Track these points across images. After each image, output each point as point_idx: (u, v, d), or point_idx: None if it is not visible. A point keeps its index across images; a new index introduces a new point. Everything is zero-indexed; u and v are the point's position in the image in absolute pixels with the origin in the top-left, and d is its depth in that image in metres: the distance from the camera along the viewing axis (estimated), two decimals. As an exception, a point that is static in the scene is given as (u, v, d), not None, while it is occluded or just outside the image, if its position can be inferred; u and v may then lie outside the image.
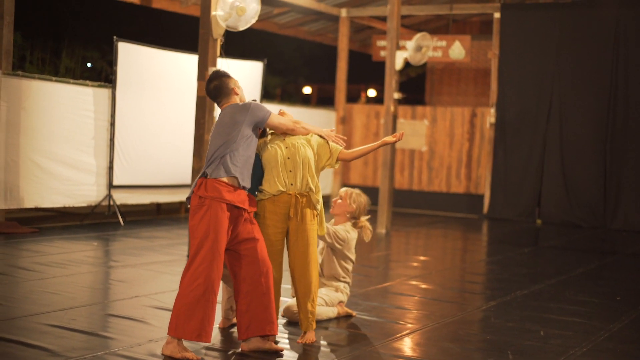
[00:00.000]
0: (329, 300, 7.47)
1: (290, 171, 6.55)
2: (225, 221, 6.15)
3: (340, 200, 7.67)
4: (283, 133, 6.69)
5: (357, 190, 7.80)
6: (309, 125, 6.81)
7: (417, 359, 6.33)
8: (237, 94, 6.61)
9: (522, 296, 9.03)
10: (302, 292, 6.59)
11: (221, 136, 6.31)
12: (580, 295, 9.27)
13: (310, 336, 6.63)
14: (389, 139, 6.97)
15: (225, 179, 6.21)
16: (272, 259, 6.51)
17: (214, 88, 6.57)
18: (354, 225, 7.72)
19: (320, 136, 6.83)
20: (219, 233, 6.10)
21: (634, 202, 16.55)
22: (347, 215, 7.70)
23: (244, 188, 6.33)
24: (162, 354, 6.00)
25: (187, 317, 5.98)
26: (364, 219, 7.79)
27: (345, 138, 6.98)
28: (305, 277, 6.57)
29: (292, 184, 6.53)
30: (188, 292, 6.01)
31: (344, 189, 7.80)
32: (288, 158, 6.56)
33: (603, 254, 13.39)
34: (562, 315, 8.10)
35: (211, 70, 10.65)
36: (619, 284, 10.30)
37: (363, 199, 7.79)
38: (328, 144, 6.78)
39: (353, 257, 7.69)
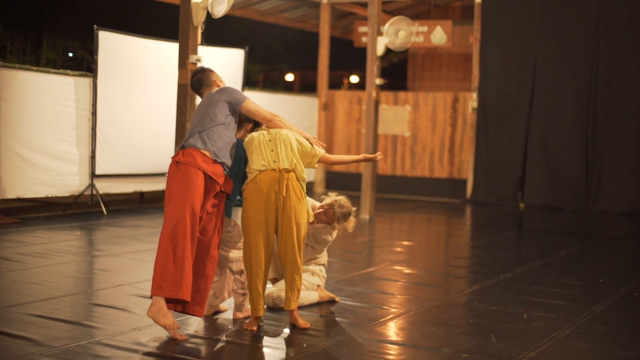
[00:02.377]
0: (307, 284, 7.48)
1: (272, 150, 6.60)
2: (200, 184, 6.33)
3: (324, 217, 7.51)
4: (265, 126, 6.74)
5: (344, 210, 7.52)
6: (288, 122, 6.81)
7: (401, 343, 6.35)
8: (218, 86, 6.82)
9: (505, 280, 9.06)
10: (289, 267, 6.58)
11: (199, 115, 6.58)
12: (563, 278, 9.31)
13: (301, 320, 6.67)
14: (371, 156, 7.16)
15: (202, 150, 6.43)
16: (255, 241, 6.50)
17: (197, 80, 6.85)
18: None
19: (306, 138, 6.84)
20: (195, 193, 6.27)
21: (616, 185, 16.63)
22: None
23: (221, 164, 6.50)
24: (148, 316, 6.14)
25: (166, 276, 6.10)
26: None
27: (325, 145, 6.99)
28: (292, 253, 6.55)
29: (274, 161, 6.55)
30: (166, 252, 6.15)
31: (328, 200, 7.55)
32: (270, 140, 6.63)
33: (586, 236, 13.45)
34: (545, 298, 8.14)
35: (192, 57, 10.64)
36: (602, 266, 10.34)
37: (351, 223, 7.64)
38: (311, 145, 6.76)
39: (328, 238, 7.66)
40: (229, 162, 6.59)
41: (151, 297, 6.18)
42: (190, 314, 6.50)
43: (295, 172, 6.59)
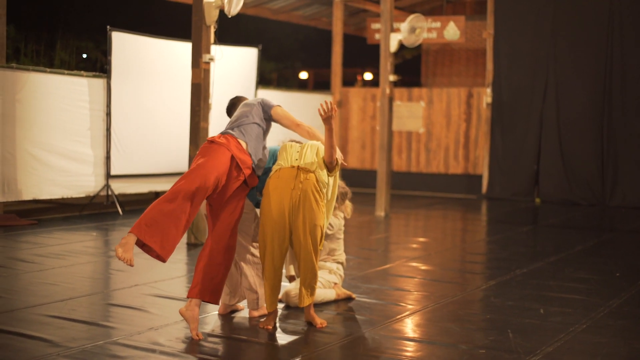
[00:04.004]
0: (324, 281, 7.48)
1: (298, 152, 6.70)
2: (225, 163, 6.41)
3: None
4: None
5: (340, 190, 7.61)
6: (317, 131, 6.90)
7: (417, 340, 6.34)
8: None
9: (521, 275, 9.04)
10: (304, 266, 6.56)
11: (236, 116, 6.84)
12: (579, 272, 9.28)
13: (318, 319, 6.66)
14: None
15: (238, 139, 6.62)
16: (271, 237, 6.50)
17: (230, 105, 7.27)
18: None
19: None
20: (214, 167, 6.35)
21: (632, 179, 16.57)
22: None
23: (251, 156, 6.63)
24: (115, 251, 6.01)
25: (148, 220, 6.07)
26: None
27: (347, 165, 7.05)
28: (307, 253, 6.51)
29: (296, 159, 6.60)
30: (160, 202, 6.14)
31: None
32: (299, 147, 6.76)
33: (602, 231, 13.40)
34: (561, 293, 8.11)
35: (205, 57, 10.64)
36: (618, 260, 10.31)
37: (348, 207, 7.77)
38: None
39: (342, 236, 7.69)
40: (256, 159, 6.69)
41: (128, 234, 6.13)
42: (205, 301, 6.47)
43: (316, 174, 6.59)
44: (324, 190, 6.65)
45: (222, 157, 6.41)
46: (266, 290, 6.58)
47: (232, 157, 6.47)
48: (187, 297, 6.39)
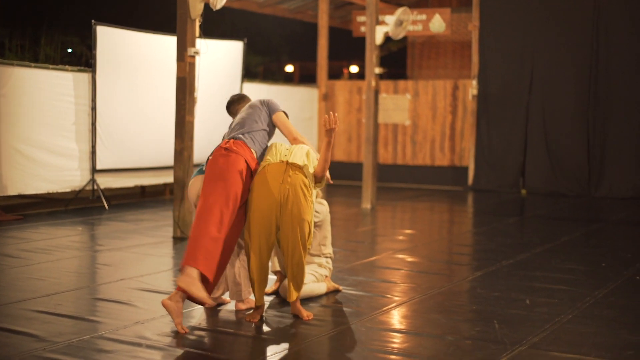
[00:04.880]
0: (318, 275, 7.48)
1: (287, 149, 6.76)
2: (244, 175, 6.53)
3: None
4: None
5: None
6: (311, 149, 6.91)
7: (404, 331, 6.35)
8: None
9: (508, 266, 9.06)
10: (291, 261, 6.54)
11: (242, 118, 6.91)
12: (565, 263, 9.31)
13: (304, 312, 6.66)
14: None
15: (250, 148, 6.72)
16: (257, 231, 6.49)
17: (230, 102, 7.37)
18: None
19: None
20: (241, 182, 6.48)
21: (618, 169, 16.62)
22: None
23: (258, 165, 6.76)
24: (179, 285, 6.16)
25: (202, 249, 6.22)
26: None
27: (332, 182, 7.24)
28: (295, 247, 6.49)
29: (285, 155, 6.64)
30: (203, 227, 6.25)
31: None
32: (286, 149, 6.79)
33: (588, 221, 13.44)
34: (547, 284, 8.13)
35: (190, 50, 10.62)
36: (604, 251, 10.34)
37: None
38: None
39: (329, 227, 7.68)
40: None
41: (182, 267, 6.20)
42: (200, 269, 6.40)
43: (305, 171, 6.59)
44: (311, 184, 6.65)
45: (243, 170, 6.52)
46: (255, 286, 6.57)
47: (247, 166, 6.58)
48: (183, 265, 6.28)
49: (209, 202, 6.32)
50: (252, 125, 6.78)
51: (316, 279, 7.46)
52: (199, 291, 6.11)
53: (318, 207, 7.49)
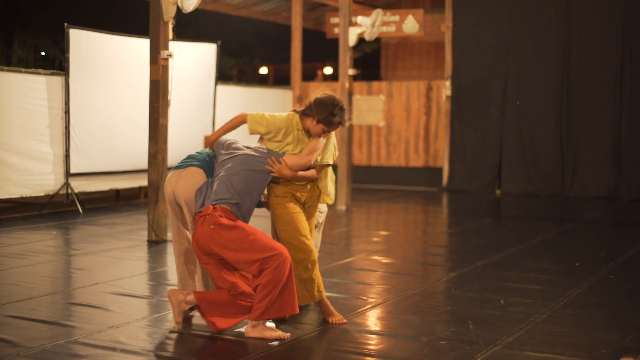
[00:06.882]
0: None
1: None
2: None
3: None
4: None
5: None
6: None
7: (379, 332, 6.37)
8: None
9: (482, 266, 9.10)
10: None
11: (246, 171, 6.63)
12: (539, 262, 9.36)
13: (337, 316, 6.70)
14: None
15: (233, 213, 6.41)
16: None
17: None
18: None
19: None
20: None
21: (591, 169, 16.72)
22: None
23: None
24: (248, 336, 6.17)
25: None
26: None
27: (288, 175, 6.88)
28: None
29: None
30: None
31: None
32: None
33: (562, 221, 13.52)
34: (522, 284, 8.17)
35: (163, 53, 10.61)
36: (578, 250, 10.40)
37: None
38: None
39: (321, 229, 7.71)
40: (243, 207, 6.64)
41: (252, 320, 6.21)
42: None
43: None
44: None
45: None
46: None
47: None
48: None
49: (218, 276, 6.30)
50: (250, 185, 6.50)
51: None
52: (272, 331, 6.19)
53: (321, 207, 7.49)
